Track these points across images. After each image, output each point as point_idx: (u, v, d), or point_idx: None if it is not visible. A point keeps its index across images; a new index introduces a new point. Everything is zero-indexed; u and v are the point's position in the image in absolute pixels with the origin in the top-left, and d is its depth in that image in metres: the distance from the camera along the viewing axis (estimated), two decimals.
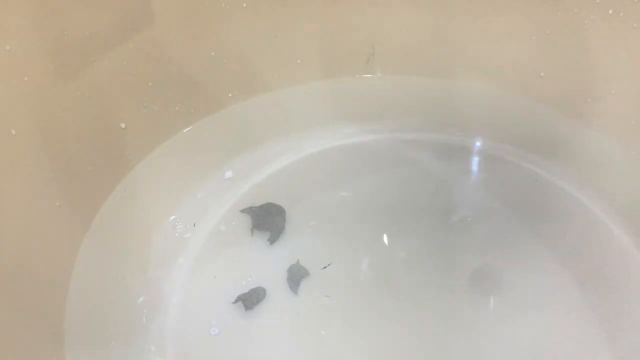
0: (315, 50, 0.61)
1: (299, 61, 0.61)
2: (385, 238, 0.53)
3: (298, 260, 0.51)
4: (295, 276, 0.51)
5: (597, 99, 0.55)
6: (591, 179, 0.54)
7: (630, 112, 0.53)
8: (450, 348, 0.46)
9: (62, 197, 0.48)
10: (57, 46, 0.47)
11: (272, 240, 0.53)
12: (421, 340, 0.47)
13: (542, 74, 0.57)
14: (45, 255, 0.46)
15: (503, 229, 0.53)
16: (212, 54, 0.57)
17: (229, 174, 0.57)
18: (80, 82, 0.49)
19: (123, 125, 0.53)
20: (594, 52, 0.54)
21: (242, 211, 0.54)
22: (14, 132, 0.43)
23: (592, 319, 0.47)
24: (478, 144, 0.59)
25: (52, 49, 0.46)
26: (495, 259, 0.51)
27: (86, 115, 0.50)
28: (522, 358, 0.46)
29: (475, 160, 0.58)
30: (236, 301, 0.49)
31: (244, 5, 0.55)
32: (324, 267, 0.49)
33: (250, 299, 0.49)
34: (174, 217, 0.54)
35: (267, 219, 0.54)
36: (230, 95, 0.60)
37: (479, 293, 0.49)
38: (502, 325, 0.47)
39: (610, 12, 0.51)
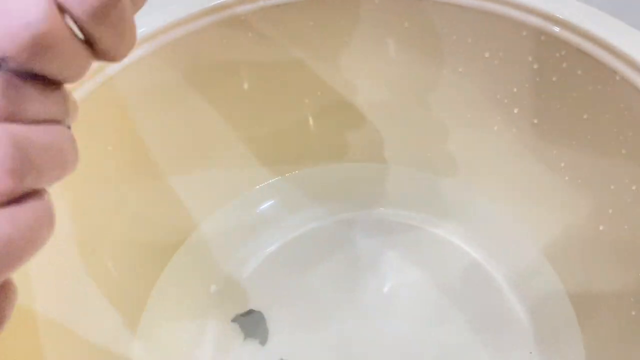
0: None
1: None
2: (335, 315, 0.59)
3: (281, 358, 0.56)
4: None
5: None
6: (479, 236, 0.63)
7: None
8: None
9: None
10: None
11: (263, 341, 0.58)
12: None
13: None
14: None
15: (424, 290, 0.60)
16: None
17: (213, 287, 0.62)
18: None
19: None
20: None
21: (233, 321, 0.60)
22: None
23: None
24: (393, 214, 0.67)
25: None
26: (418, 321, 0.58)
27: None
28: None
29: (393, 230, 0.66)
30: None
31: None
32: None
33: None
34: None
35: (253, 324, 0.60)
36: None
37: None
38: None
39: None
